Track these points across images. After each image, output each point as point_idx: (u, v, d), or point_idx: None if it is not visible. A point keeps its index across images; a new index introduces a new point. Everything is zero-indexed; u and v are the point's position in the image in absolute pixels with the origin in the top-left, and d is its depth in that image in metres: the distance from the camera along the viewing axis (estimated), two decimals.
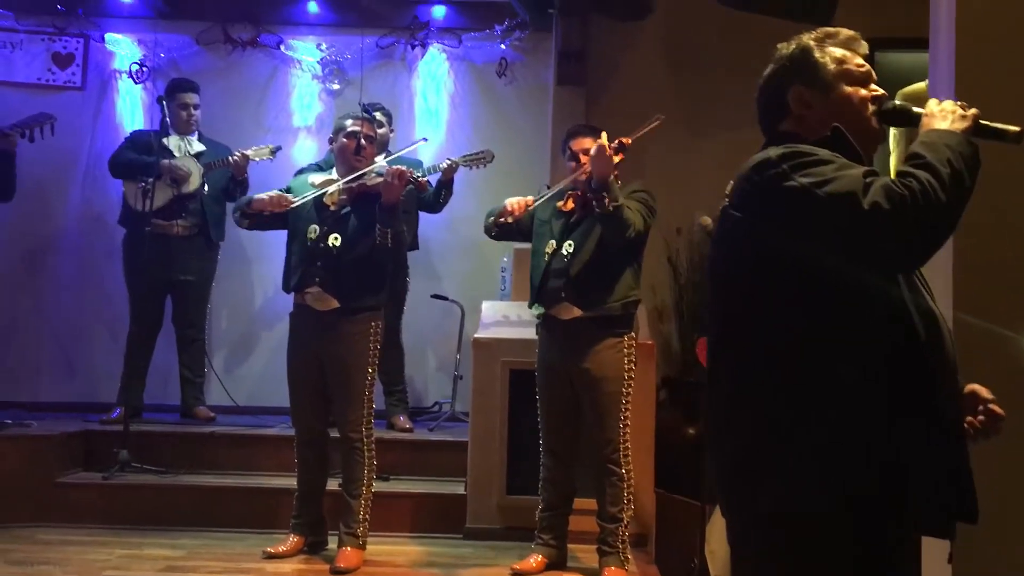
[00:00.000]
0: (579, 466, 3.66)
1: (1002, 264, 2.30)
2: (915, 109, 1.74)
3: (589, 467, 3.61)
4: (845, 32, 1.81)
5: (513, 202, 3.66)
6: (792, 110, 1.75)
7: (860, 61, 1.78)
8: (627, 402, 3.52)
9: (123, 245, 5.03)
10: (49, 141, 4.98)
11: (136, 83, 5.69)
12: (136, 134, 5.19)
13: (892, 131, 3.47)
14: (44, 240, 5.65)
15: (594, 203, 3.38)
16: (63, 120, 5.15)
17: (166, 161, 4.83)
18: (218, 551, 3.87)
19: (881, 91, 1.77)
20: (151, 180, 4.62)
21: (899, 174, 1.55)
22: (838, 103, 1.74)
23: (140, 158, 4.88)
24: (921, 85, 3.32)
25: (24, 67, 5.64)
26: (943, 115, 1.65)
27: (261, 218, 3.77)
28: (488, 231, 3.79)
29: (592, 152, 3.40)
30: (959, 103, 1.67)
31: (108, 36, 5.73)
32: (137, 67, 5.67)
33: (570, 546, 3.72)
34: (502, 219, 3.67)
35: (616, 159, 3.41)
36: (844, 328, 1.57)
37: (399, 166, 3.66)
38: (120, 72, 5.73)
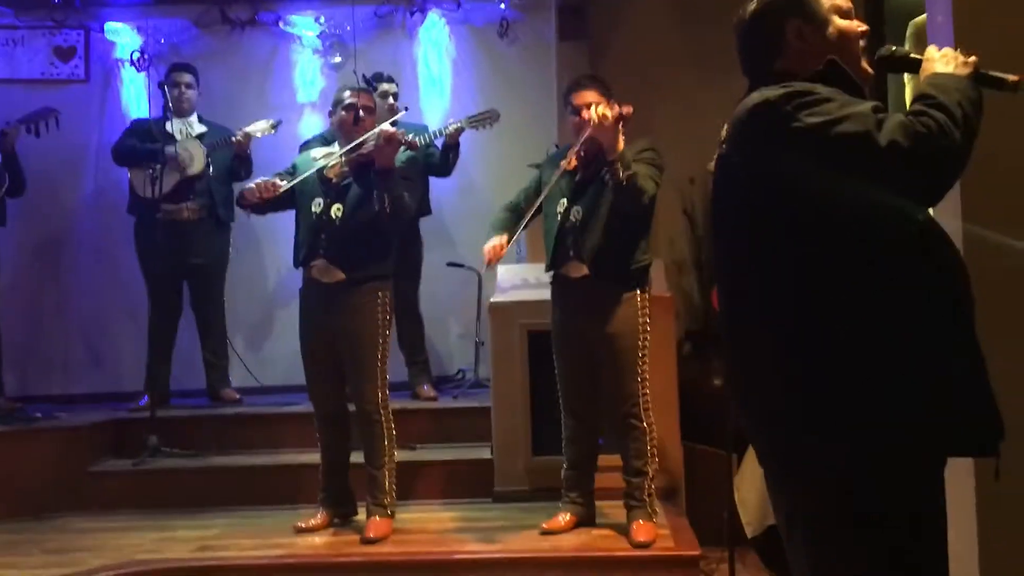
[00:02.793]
0: (602, 423, 3.65)
1: (1009, 174, 2.23)
2: (914, 55, 1.72)
3: (611, 423, 3.59)
4: None
5: (487, 250, 3.59)
6: (790, 46, 1.71)
7: None
8: (644, 356, 3.48)
9: (134, 233, 5.04)
10: (57, 134, 5.00)
11: (139, 71, 5.66)
12: (136, 122, 5.19)
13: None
14: (61, 233, 5.68)
15: (606, 176, 3.31)
16: (70, 113, 5.17)
17: (171, 148, 4.82)
18: (250, 529, 3.91)
19: (866, 27, 1.74)
20: (158, 167, 4.62)
21: (913, 112, 1.52)
22: (835, 36, 1.71)
23: (143, 146, 4.88)
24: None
25: (27, 63, 5.63)
26: (945, 60, 1.63)
27: (260, 206, 3.75)
28: None
29: (592, 128, 3.28)
30: (958, 50, 1.65)
31: (108, 26, 5.71)
32: (138, 55, 5.64)
33: (598, 503, 3.72)
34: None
35: (620, 128, 3.32)
36: (873, 254, 1.55)
37: (388, 128, 3.62)
38: (122, 61, 5.71)
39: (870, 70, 1.74)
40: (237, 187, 5.11)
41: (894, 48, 1.75)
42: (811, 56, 1.69)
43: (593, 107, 3.31)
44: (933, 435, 1.54)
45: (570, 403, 3.61)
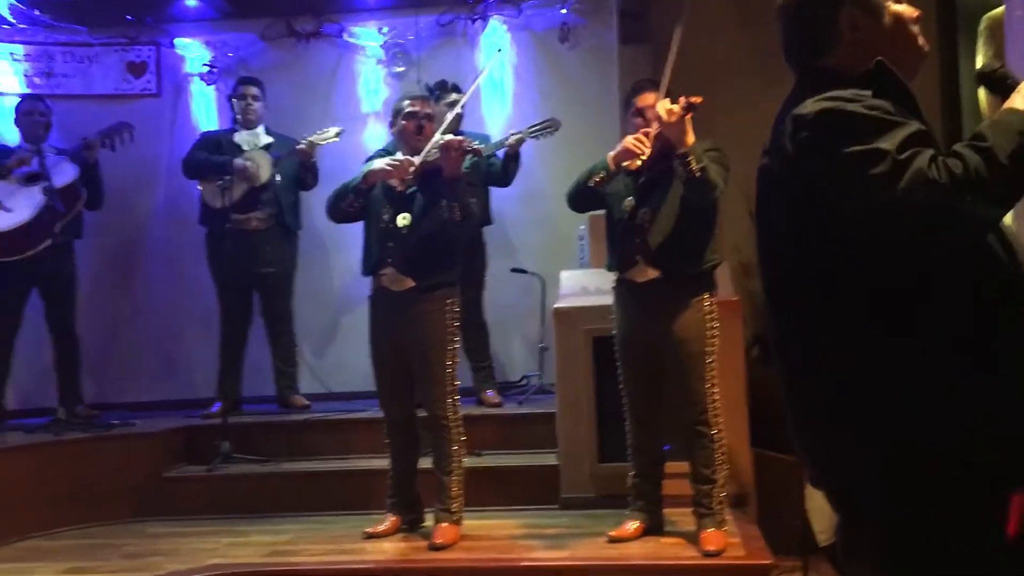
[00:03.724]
0: (668, 429, 3.61)
1: None
2: (1011, 80, 1.57)
3: (679, 430, 3.55)
4: None
5: (631, 143, 3.36)
6: (842, 37, 1.60)
7: None
8: (712, 362, 3.44)
9: (206, 243, 5.16)
10: (131, 148, 5.16)
11: (208, 84, 5.81)
12: (206, 135, 5.33)
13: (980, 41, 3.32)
14: (135, 245, 5.84)
15: (679, 169, 3.28)
16: (142, 127, 5.31)
17: (239, 161, 4.92)
18: (320, 534, 3.96)
19: (919, 11, 1.63)
20: (228, 178, 4.72)
21: (951, 153, 1.40)
22: (892, 24, 1.60)
23: (211, 158, 5.01)
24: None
25: (101, 79, 5.80)
26: None
27: (356, 210, 3.76)
28: (581, 197, 3.59)
29: (660, 122, 3.26)
30: None
31: (177, 41, 5.85)
32: (207, 69, 5.78)
33: (667, 510, 3.68)
34: (633, 163, 3.37)
35: (688, 118, 3.28)
36: (916, 271, 1.47)
37: (453, 137, 3.64)
38: (192, 75, 5.86)
39: (926, 48, 1.64)
40: (304, 196, 5.23)
41: (999, 66, 1.62)
42: (864, 49, 1.58)
43: (658, 103, 3.28)
44: (963, 452, 1.44)
45: (636, 410, 3.58)
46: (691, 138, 3.26)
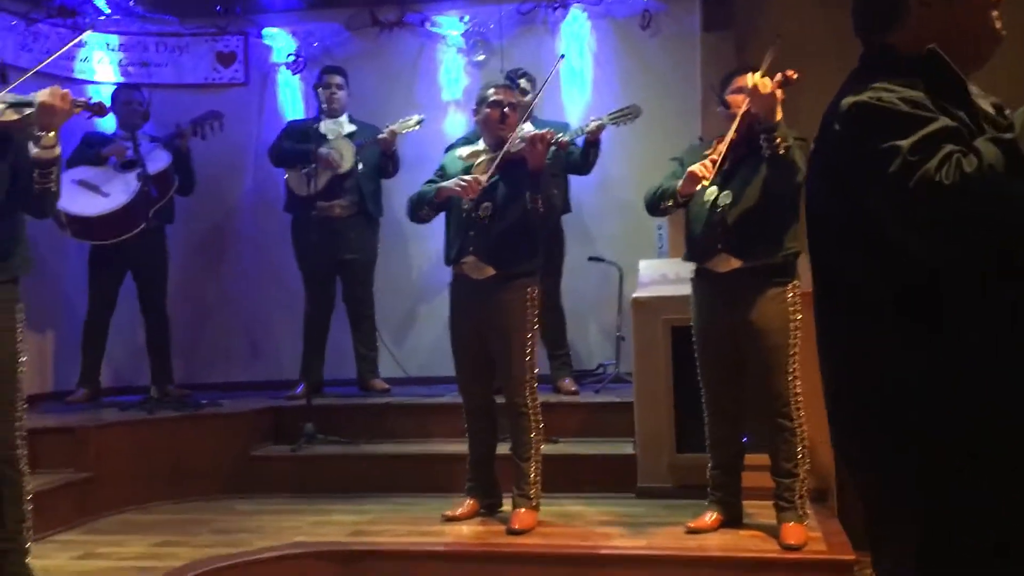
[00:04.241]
0: (750, 421, 3.58)
1: None
2: None
3: (760, 422, 3.52)
4: None
5: (697, 169, 3.34)
6: (911, 13, 1.57)
7: None
8: (795, 354, 3.40)
9: (292, 230, 5.27)
10: (220, 136, 5.29)
11: (294, 74, 5.93)
12: (291, 123, 5.44)
13: None
14: (224, 230, 6.00)
15: (764, 146, 3.24)
16: (231, 115, 5.44)
17: (323, 150, 5.02)
18: (401, 515, 4.04)
19: None
20: (313, 167, 4.82)
21: (972, 149, 1.36)
22: (966, 4, 1.56)
23: (295, 147, 5.11)
24: None
25: (192, 68, 5.97)
26: None
27: (432, 217, 3.84)
28: (665, 211, 3.58)
29: (750, 92, 3.21)
30: None
31: (265, 31, 5.98)
32: (293, 58, 5.91)
33: (746, 502, 3.66)
34: (695, 187, 3.36)
35: (779, 95, 3.21)
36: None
37: (539, 131, 3.65)
38: (278, 65, 5.98)
39: (1003, 34, 1.59)
40: (385, 184, 5.31)
41: None
42: (933, 29, 1.54)
43: (750, 75, 3.23)
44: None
45: (716, 403, 3.56)
46: (780, 115, 3.22)
